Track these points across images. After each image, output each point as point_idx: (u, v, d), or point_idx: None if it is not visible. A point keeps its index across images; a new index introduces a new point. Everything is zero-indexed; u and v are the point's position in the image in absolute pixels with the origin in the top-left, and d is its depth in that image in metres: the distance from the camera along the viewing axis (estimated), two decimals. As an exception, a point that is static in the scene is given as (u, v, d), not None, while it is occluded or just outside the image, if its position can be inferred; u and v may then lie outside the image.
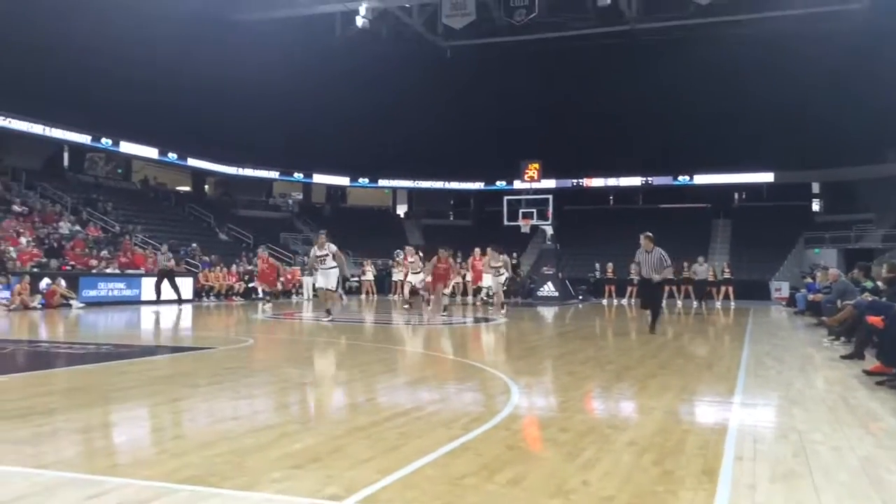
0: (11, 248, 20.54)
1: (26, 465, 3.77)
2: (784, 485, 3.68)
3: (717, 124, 34.93)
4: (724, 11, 29.15)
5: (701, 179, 39.61)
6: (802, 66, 30.55)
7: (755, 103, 33.26)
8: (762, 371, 8.04)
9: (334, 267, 14.33)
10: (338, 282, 14.81)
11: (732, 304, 25.25)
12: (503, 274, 18.27)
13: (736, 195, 42.33)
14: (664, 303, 14.31)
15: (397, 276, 29.71)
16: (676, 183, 40.16)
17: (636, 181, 40.75)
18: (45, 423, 4.91)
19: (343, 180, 42.53)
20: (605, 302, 26.84)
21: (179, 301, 20.45)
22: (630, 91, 34.61)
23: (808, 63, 30.19)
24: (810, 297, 17.55)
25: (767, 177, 38.87)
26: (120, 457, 4.06)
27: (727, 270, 26.73)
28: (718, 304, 24.87)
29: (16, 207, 24.47)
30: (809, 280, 22.33)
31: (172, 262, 21.02)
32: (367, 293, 29.30)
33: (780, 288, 28.80)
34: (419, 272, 20.11)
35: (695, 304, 24.03)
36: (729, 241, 37.04)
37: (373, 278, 29.81)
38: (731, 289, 25.99)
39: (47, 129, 28.65)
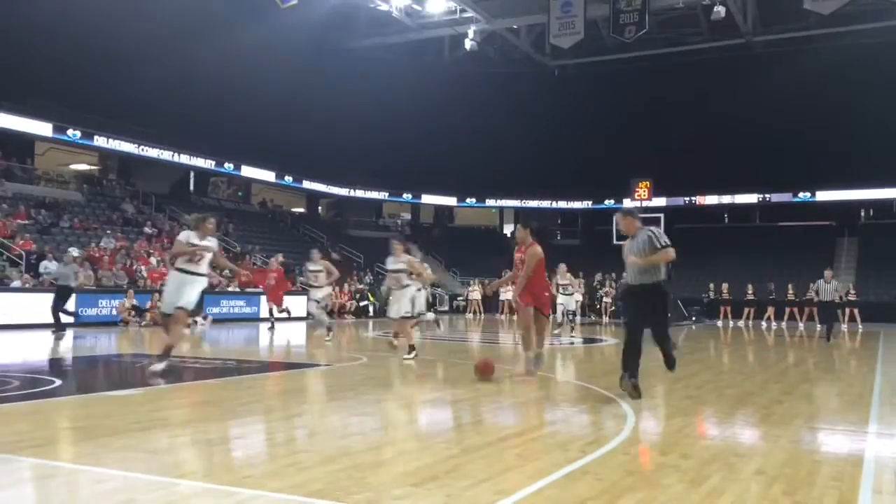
0: (143, 268, 21.90)
1: (164, 475, 4.00)
2: (931, 523, 3.44)
3: (839, 137, 33.21)
4: (847, 21, 27.70)
5: (823, 196, 37.67)
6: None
7: (880, 115, 31.36)
8: (899, 400, 7.54)
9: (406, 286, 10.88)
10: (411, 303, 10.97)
11: (860, 327, 23.81)
12: (572, 293, 17.47)
13: (862, 212, 39.97)
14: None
15: (505, 294, 29.75)
16: (796, 200, 38.35)
17: (752, 198, 39.18)
18: (180, 435, 5.20)
19: (451, 200, 43.04)
20: (719, 323, 25.87)
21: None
22: (745, 105, 33.42)
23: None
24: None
25: (897, 192, 36.53)
26: (248, 469, 4.25)
27: (853, 292, 25.30)
28: (844, 328, 23.49)
29: (147, 229, 26.07)
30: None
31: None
32: (475, 312, 29.43)
33: (914, 310, 26.93)
34: (571, 293, 18.70)
35: (818, 327, 22.79)
36: (855, 261, 34.96)
37: (480, 297, 29.93)
38: (856, 311, 24.56)
39: (175, 155, 30.46)
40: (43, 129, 26.03)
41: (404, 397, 7.38)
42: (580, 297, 20.68)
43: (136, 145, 29.00)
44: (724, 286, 27.64)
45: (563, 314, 18.54)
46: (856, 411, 6.72)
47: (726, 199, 39.68)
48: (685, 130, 35.33)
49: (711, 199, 39.55)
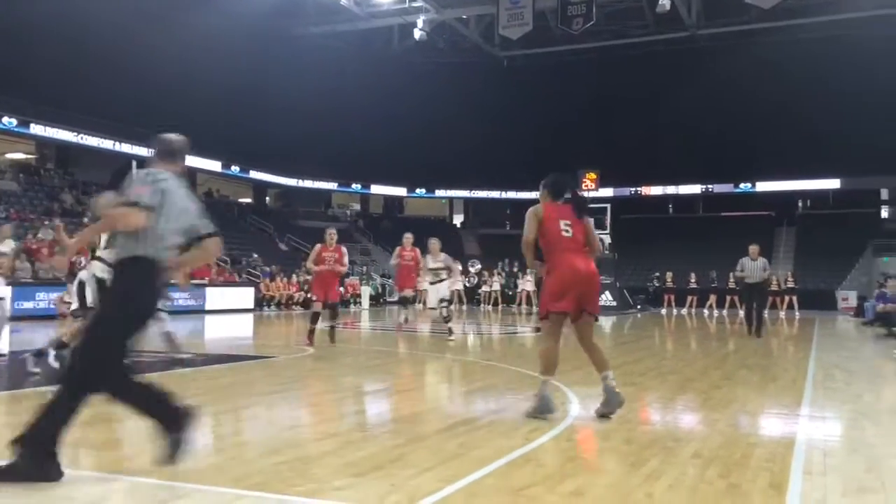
0: (83, 259, 21.30)
1: (102, 470, 3.92)
2: (856, 500, 3.58)
3: (779, 130, 34.17)
4: (788, 15, 28.45)
5: (763, 186, 38.76)
6: (869, 68, 29.67)
7: (820, 108, 32.35)
8: (830, 383, 7.82)
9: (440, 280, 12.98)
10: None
11: (797, 314, 24.59)
12: (443, 279, 13.13)
13: (800, 202, 41.24)
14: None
15: (454, 285, 29.88)
16: (738, 191, 39.37)
17: (696, 189, 40.10)
18: (120, 429, 5.09)
19: (400, 191, 42.96)
20: (664, 311, 26.43)
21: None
22: (689, 98, 34.07)
23: (874, 66, 29.31)
24: (880, 307, 16.95)
25: (833, 183, 37.79)
26: (189, 463, 4.19)
27: (790, 279, 26.10)
28: (782, 315, 24.23)
29: (87, 220, 25.37)
30: (880, 289, 21.58)
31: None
32: (423, 302, 29.44)
33: (848, 297, 27.94)
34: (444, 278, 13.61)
35: (739, 314, 23.32)
36: (793, 250, 36.07)
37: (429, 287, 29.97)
38: (794, 298, 25.36)
39: (116, 144, 29.68)
40: (-25, 117, 25.12)
41: (351, 388, 7.36)
42: (460, 285, 18.87)
43: (76, 133, 28.17)
44: (669, 275, 28.28)
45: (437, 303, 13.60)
46: (790, 395, 6.94)
47: (671, 189, 40.53)
48: (632, 122, 35.89)
49: (656, 190, 40.36)
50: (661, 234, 37.03)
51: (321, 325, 11.23)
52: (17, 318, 16.74)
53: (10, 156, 30.24)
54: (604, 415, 5.51)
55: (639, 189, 40.12)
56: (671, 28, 30.99)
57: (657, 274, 29.74)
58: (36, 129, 26.91)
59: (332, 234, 11.42)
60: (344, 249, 11.44)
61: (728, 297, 26.71)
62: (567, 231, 5.65)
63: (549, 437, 4.84)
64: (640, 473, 3.98)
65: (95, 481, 3.71)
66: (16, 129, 26.41)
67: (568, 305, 5.48)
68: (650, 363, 9.72)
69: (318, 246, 11.19)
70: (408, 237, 13.53)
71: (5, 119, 25.71)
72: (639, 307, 26.82)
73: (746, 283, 14.02)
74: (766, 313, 15.46)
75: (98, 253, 7.65)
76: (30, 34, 24.29)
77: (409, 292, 13.78)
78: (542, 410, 5.50)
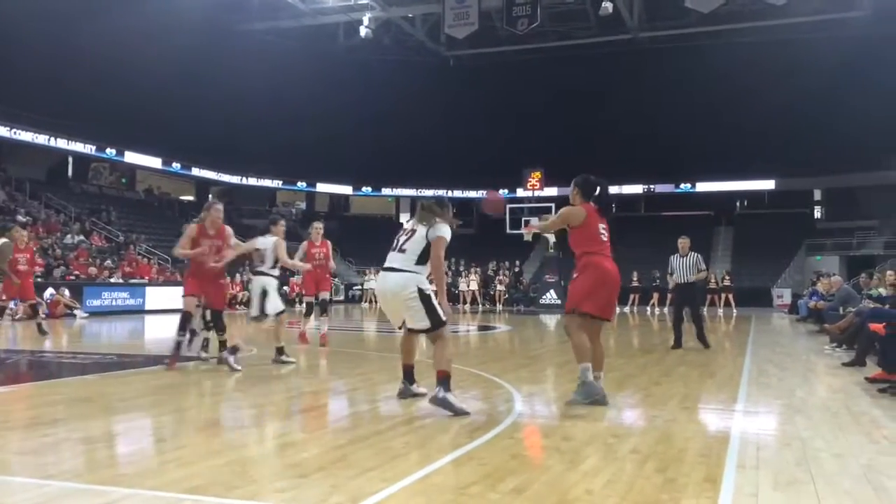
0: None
1: (33, 476, 3.80)
2: (786, 493, 3.70)
3: (718, 132, 35.05)
4: (726, 19, 29.25)
5: (703, 187, 39.72)
6: (804, 73, 30.66)
7: (757, 110, 33.37)
8: (764, 379, 8.05)
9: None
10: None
11: (734, 311, 25.27)
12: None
13: (738, 202, 42.40)
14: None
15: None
16: (678, 191, 40.26)
17: (638, 189, 40.86)
18: (51, 434, 4.93)
19: (346, 189, 42.70)
20: (626, 310, 26.84)
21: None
22: (632, 99, 34.76)
23: (809, 70, 30.31)
24: (812, 304, 17.57)
25: (769, 184, 38.97)
26: (125, 467, 4.09)
27: (728, 277, 26.82)
28: (720, 312, 24.88)
29: (20, 217, 24.55)
30: (812, 287, 22.36)
31: None
32: (371, 301, 29.34)
33: (782, 295, 28.88)
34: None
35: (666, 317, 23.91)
36: (731, 249, 37.09)
37: (376, 286, 29.86)
38: (731, 296, 26.06)
39: (52, 139, 28.77)
40: None
41: (293, 388, 7.28)
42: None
43: (8, 128, 27.22)
44: (635, 274, 28.70)
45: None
46: (726, 391, 7.13)
47: (614, 189, 41.04)
48: (576, 122, 36.39)
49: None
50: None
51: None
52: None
53: (-64, 150, 29.08)
54: (574, 402, 5.89)
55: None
56: (614, 30, 31.52)
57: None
58: (-36, 123, 25.94)
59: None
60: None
61: (669, 296, 27.31)
62: (604, 234, 5.99)
63: (493, 435, 4.87)
64: (579, 470, 4.04)
65: (28, 487, 3.59)
66: (180, 172, 25.34)
67: (594, 308, 5.87)
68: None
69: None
70: (317, 227, 11.30)
71: (174, 163, 24.62)
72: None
73: (676, 282, 11.71)
74: (703, 313, 14.52)
75: (261, 268, 8.83)
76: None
77: (324, 295, 11.40)
78: (589, 395, 5.86)
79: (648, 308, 27.40)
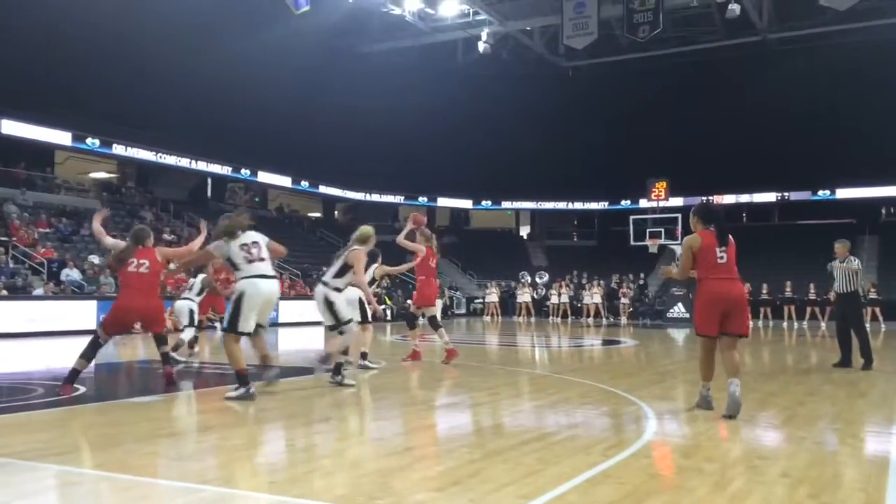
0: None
1: (190, 481, 4.04)
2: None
3: (858, 134, 32.90)
4: (864, 16, 27.44)
5: (843, 193, 37.27)
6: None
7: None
8: (924, 400, 7.45)
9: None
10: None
11: (882, 326, 23.58)
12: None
13: (883, 209, 39.56)
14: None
15: (522, 297, 29.78)
16: (816, 198, 37.99)
17: (771, 197, 38.85)
18: (203, 441, 5.24)
19: (466, 203, 43.04)
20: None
21: None
22: (763, 103, 33.21)
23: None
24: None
25: (920, 189, 36.13)
26: (273, 475, 4.27)
27: (873, 290, 25.08)
28: (867, 327, 23.25)
29: (165, 236, 26.27)
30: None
31: None
32: (492, 314, 29.42)
33: (938, 308, 26.62)
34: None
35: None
36: (876, 259, 34.59)
37: (497, 299, 29.92)
38: (878, 310, 24.37)
39: (192, 162, 30.66)
40: (62, 138, 26.29)
41: (424, 402, 7.38)
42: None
43: (154, 153, 29.22)
44: (746, 286, 27.46)
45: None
46: (880, 412, 6.65)
47: (744, 198, 39.37)
48: (702, 129, 35.14)
49: (729, 199, 39.22)
50: (735, 243, 36.01)
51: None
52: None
53: (93, 175, 31.61)
54: (730, 416, 6.04)
55: (710, 197, 39.12)
56: (742, 33, 30.29)
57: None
58: (118, 149, 28.01)
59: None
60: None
61: (809, 309, 25.94)
62: (722, 258, 6.37)
63: (629, 454, 4.75)
64: (725, 493, 3.87)
65: (187, 491, 3.82)
66: (99, 150, 27.54)
67: (713, 331, 6.31)
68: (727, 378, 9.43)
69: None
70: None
71: (89, 140, 26.84)
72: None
73: (836, 292, 10.72)
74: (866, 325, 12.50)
75: (326, 279, 8.40)
76: (111, 60, 25.36)
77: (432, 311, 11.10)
78: (701, 405, 6.49)
79: (784, 322, 26.02)
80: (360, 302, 9.42)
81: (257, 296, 7.05)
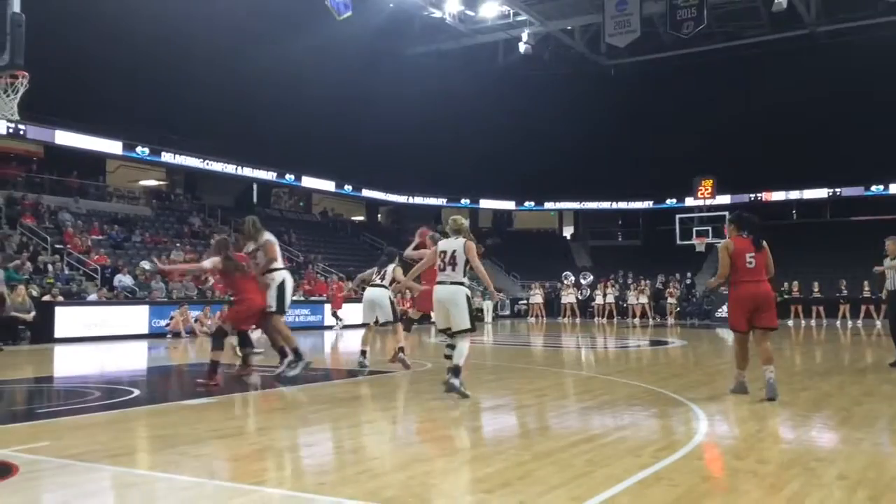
0: (210, 279, 22.45)
1: (244, 482, 4.11)
2: None
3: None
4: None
5: (898, 188, 36.20)
6: None
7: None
8: None
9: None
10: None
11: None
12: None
13: (941, 204, 38.28)
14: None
15: (566, 298, 29.58)
16: (869, 193, 36.93)
17: (822, 193, 37.87)
18: (256, 442, 5.33)
19: (509, 204, 42.91)
20: (790, 323, 25.13)
21: None
22: (811, 97, 32.44)
23: None
24: None
25: (977, 182, 34.87)
26: (324, 476, 4.32)
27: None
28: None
29: (213, 242, 26.77)
30: None
31: None
32: (537, 316, 29.28)
33: None
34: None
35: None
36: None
37: (542, 300, 29.76)
38: None
39: (238, 168, 31.17)
40: (113, 147, 26.96)
41: (470, 403, 7.38)
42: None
43: (201, 160, 29.78)
44: (795, 284, 26.86)
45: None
46: (942, 413, 6.44)
47: (794, 194, 38.44)
48: (749, 125, 34.51)
49: (778, 195, 38.37)
50: (784, 241, 35.07)
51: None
52: (153, 335, 17.86)
53: (143, 183, 32.36)
54: (771, 398, 6.84)
55: (759, 195, 38.30)
56: (788, 27, 29.65)
57: (786, 284, 28.14)
58: (166, 157, 28.62)
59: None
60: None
61: (863, 307, 25.30)
62: (751, 263, 7.07)
63: (680, 456, 4.69)
64: (781, 496, 3.80)
65: (242, 492, 3.89)
66: (148, 158, 28.19)
67: (744, 327, 7.15)
68: (780, 377, 9.23)
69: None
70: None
71: (139, 148, 27.48)
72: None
73: (888, 290, 10.32)
74: None
75: (377, 280, 9.97)
76: (158, 70, 25.95)
77: None
78: (737, 390, 7.31)
79: (838, 321, 25.39)
80: (391, 301, 9.91)
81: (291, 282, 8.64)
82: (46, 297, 17.01)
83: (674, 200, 37.88)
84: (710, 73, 33.15)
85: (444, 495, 3.82)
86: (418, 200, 40.53)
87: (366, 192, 38.12)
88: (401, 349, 9.88)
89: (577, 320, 28.52)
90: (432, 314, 8.70)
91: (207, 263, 8.66)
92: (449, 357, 7.56)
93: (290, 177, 33.79)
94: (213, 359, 8.15)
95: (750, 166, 34.89)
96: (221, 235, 8.71)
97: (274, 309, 8.37)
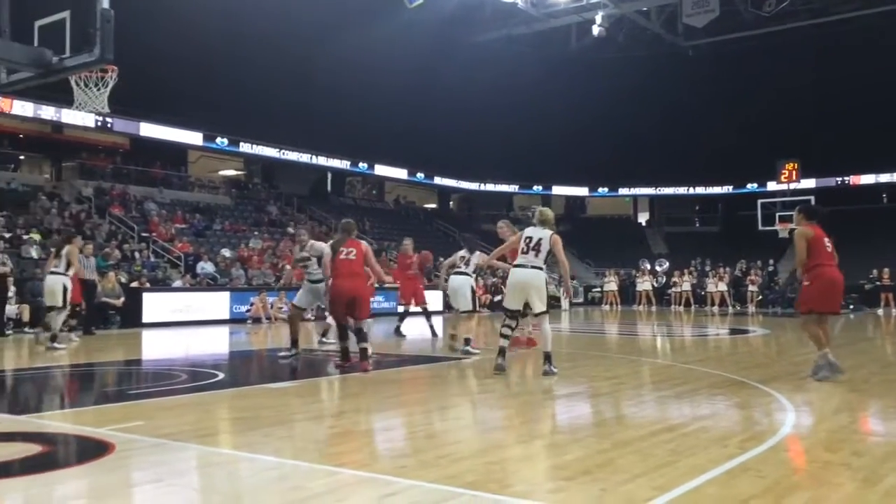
0: (287, 266, 22.97)
1: (327, 463, 4.19)
2: None
3: None
4: None
5: None
6: None
7: None
8: None
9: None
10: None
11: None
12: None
13: None
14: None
15: (642, 285, 29.06)
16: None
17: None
18: (337, 425, 5.42)
19: (582, 190, 42.38)
20: (880, 312, 24.06)
21: None
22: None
23: None
24: None
25: None
26: (404, 459, 4.37)
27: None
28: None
29: (290, 229, 27.35)
30: None
31: None
32: (611, 303, 28.87)
33: None
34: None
35: None
36: None
37: (616, 288, 29.33)
38: (890, 296, 22.71)
39: (313, 157, 31.75)
40: (194, 138, 27.85)
41: (545, 391, 7.34)
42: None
43: (278, 150, 30.45)
44: (886, 271, 25.66)
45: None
46: None
47: (884, 177, 36.69)
48: (834, 106, 32.99)
49: (867, 179, 36.72)
50: (873, 226, 33.65)
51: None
52: (234, 320, 18.40)
53: (223, 172, 33.31)
54: (823, 378, 7.18)
55: (846, 178, 36.71)
56: (879, 1, 28.20)
57: (875, 271, 26.93)
58: (244, 147, 29.38)
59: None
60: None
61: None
62: (829, 247, 7.38)
63: (767, 447, 4.54)
64: (877, 490, 3.64)
65: (325, 473, 3.97)
66: (227, 148, 29.00)
67: (825, 308, 7.46)
68: (873, 368, 8.88)
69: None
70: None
71: (218, 139, 28.29)
72: (852, 307, 24.60)
73: None
74: None
75: (462, 268, 10.66)
76: (234, 63, 26.58)
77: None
78: (828, 371, 7.28)
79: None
80: (472, 289, 10.42)
81: None
82: (134, 284, 17.73)
83: (755, 185, 36.69)
84: (792, 52, 31.85)
85: (525, 481, 3.80)
86: (490, 187, 40.45)
87: (438, 180, 38.29)
88: (466, 339, 10.14)
89: (653, 308, 27.98)
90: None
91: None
92: (506, 337, 8.08)
93: (363, 165, 34.21)
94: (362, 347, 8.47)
95: (836, 149, 33.42)
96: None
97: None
